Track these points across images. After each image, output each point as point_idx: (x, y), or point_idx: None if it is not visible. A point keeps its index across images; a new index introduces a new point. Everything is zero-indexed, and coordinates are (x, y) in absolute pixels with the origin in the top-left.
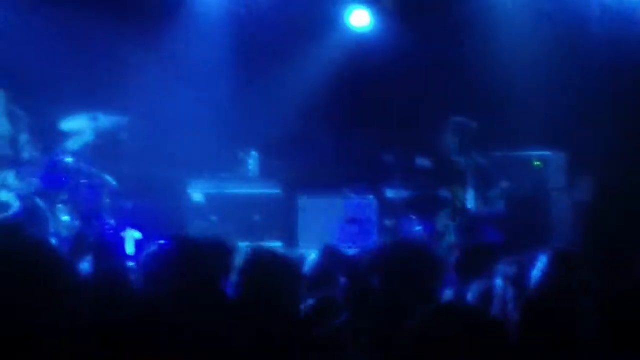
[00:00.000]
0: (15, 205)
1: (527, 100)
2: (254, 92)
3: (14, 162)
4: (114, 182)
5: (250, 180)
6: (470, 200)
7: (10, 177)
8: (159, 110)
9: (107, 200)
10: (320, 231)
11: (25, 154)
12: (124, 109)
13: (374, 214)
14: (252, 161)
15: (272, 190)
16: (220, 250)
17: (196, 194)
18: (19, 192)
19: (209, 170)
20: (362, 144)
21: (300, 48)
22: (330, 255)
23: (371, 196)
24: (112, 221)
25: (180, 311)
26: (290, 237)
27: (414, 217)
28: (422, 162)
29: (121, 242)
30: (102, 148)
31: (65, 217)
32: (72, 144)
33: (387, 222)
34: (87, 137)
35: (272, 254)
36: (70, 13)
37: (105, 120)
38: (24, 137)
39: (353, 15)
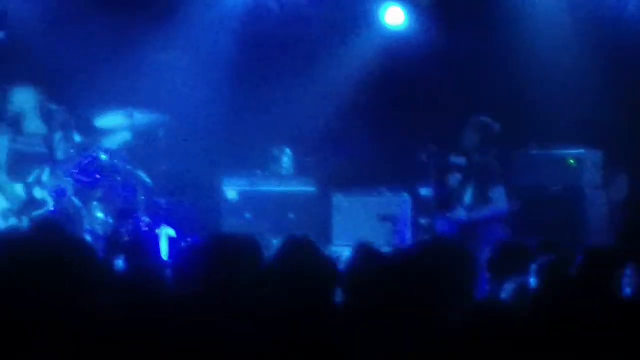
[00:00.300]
0: (50, 203)
1: (562, 97)
2: (289, 90)
3: (49, 160)
4: (149, 180)
5: (285, 178)
6: (468, 198)
7: (45, 174)
8: (195, 108)
9: (142, 198)
10: (355, 229)
11: (60, 152)
12: (160, 106)
13: (408, 213)
14: (287, 159)
15: (306, 188)
16: (254, 248)
17: (231, 192)
18: (54, 190)
19: (244, 168)
20: (397, 141)
21: (336, 45)
22: (365, 253)
23: (406, 194)
24: (147, 219)
25: (213, 309)
26: (324, 235)
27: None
28: (458, 160)
29: (156, 240)
30: (138, 146)
31: (100, 215)
32: (109, 143)
33: (422, 221)
34: (125, 136)
35: (310, 249)
36: (105, 8)
37: (141, 118)
38: (59, 135)
39: (388, 13)
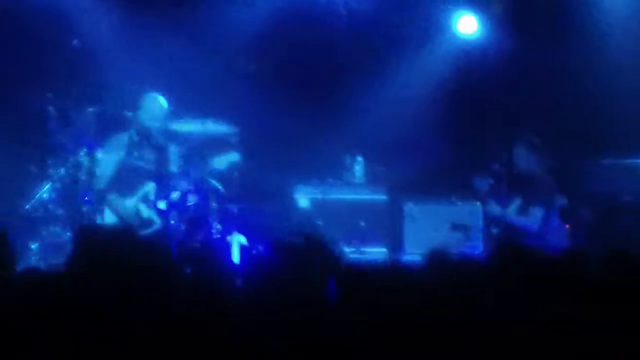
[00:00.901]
0: (158, 222)
1: (636, 106)
2: (361, 98)
3: (158, 176)
4: (221, 187)
5: (356, 186)
6: (513, 210)
7: (151, 192)
8: (268, 116)
9: (214, 204)
10: (426, 238)
11: (174, 167)
12: (233, 114)
13: (479, 221)
14: (359, 167)
15: (378, 196)
16: (324, 256)
17: (303, 200)
18: (161, 208)
19: (315, 175)
20: (469, 150)
21: (408, 54)
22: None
23: (478, 203)
24: (218, 226)
25: (283, 315)
26: (396, 243)
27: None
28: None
29: (227, 246)
30: (211, 153)
31: (172, 221)
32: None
33: (494, 230)
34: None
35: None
36: (180, 16)
37: (214, 126)
38: (174, 149)
39: (461, 22)
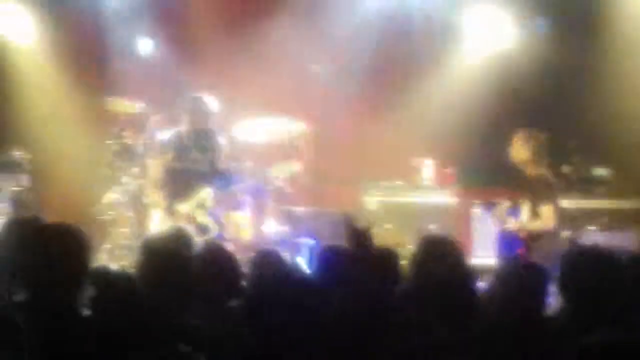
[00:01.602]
0: (214, 228)
1: None
2: (430, 99)
3: (212, 180)
4: (288, 188)
5: (425, 189)
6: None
7: (208, 199)
8: (336, 117)
9: (280, 207)
10: (495, 241)
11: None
12: (301, 115)
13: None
14: (428, 169)
15: (447, 199)
16: (389, 259)
17: (371, 202)
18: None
19: (384, 178)
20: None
21: (477, 55)
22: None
23: (551, 206)
24: (285, 228)
25: (349, 317)
26: (464, 246)
27: (592, 228)
28: (600, 171)
29: (295, 249)
30: (277, 154)
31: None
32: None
33: (565, 233)
34: (295, 166)
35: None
36: (250, 18)
37: (280, 125)
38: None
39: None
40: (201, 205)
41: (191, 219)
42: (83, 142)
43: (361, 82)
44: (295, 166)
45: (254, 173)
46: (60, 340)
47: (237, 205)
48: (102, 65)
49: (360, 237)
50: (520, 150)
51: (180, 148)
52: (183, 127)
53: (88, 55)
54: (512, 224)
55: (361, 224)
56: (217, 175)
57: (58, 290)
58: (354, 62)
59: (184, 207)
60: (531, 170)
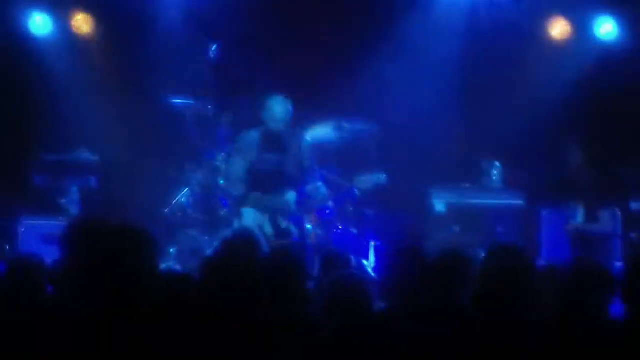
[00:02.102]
0: (295, 232)
1: None
2: (499, 101)
3: (291, 182)
4: (356, 191)
5: (493, 191)
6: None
7: (290, 202)
8: (405, 118)
9: (350, 209)
10: (564, 244)
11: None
12: (371, 116)
13: (618, 227)
14: (496, 172)
15: (515, 201)
16: (458, 263)
17: (439, 204)
18: (295, 219)
19: (452, 180)
20: (606, 155)
21: (546, 56)
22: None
23: (616, 209)
24: (354, 230)
25: (416, 321)
26: (532, 249)
27: None
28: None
29: (364, 250)
30: (346, 156)
31: (308, 226)
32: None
33: (632, 235)
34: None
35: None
36: (324, 18)
37: (351, 128)
38: (305, 159)
39: (600, 25)
40: (284, 209)
41: (273, 222)
42: (151, 143)
43: (432, 84)
44: (381, 178)
45: (332, 172)
46: (128, 340)
47: (320, 209)
48: (170, 66)
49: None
50: (577, 154)
51: (259, 148)
52: (261, 128)
53: (157, 56)
54: (571, 225)
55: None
56: (297, 178)
57: (125, 292)
58: (425, 63)
59: (264, 209)
60: (587, 174)
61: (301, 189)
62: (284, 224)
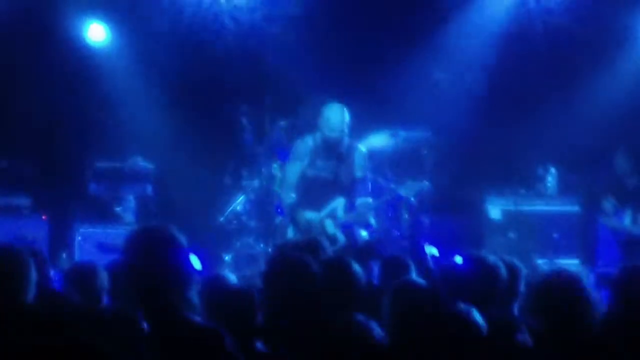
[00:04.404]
0: (342, 240)
1: None
2: (553, 108)
3: (345, 191)
4: (412, 198)
5: (549, 198)
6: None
7: (339, 208)
8: (460, 125)
9: (406, 216)
10: (619, 251)
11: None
12: (425, 123)
13: None
14: (551, 178)
15: (571, 207)
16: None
17: (494, 211)
18: (344, 225)
19: (508, 186)
20: None
21: (601, 63)
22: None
23: None
24: (410, 236)
25: (473, 329)
26: (588, 256)
27: None
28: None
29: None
30: (402, 164)
31: (364, 233)
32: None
33: None
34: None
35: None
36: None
37: (406, 136)
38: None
39: None
40: (332, 216)
41: (321, 228)
42: (207, 151)
43: (486, 90)
44: (424, 185)
45: (388, 184)
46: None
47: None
48: (222, 72)
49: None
50: (624, 161)
51: (313, 155)
52: (317, 135)
53: (206, 62)
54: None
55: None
56: (349, 188)
57: (179, 298)
58: (479, 69)
59: (315, 216)
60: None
61: (350, 200)
62: (331, 229)
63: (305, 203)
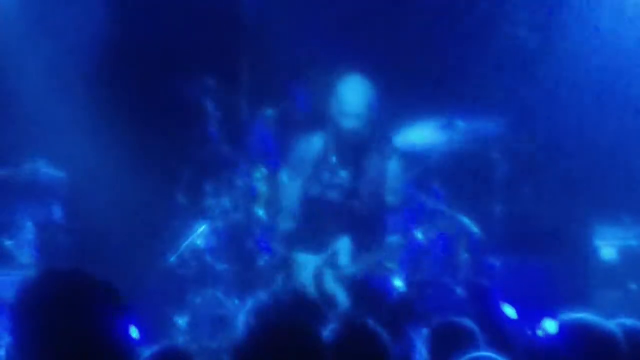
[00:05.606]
0: (343, 303)
1: None
2: None
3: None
4: (476, 229)
5: None
6: None
7: (342, 252)
8: (552, 117)
9: (466, 255)
10: None
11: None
12: (496, 112)
13: None
14: None
15: None
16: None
17: (607, 249)
18: None
19: (625, 214)
20: None
21: None
22: None
23: None
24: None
25: None
26: None
27: None
28: None
29: (495, 321)
30: (460, 174)
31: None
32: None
33: None
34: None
35: None
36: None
37: (467, 129)
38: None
39: None
40: (332, 263)
41: (316, 280)
42: (148, 151)
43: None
44: (496, 209)
45: (438, 206)
46: None
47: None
48: (171, 30)
49: None
50: None
51: (319, 163)
52: (325, 130)
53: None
54: None
55: None
56: (375, 216)
57: None
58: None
59: (311, 261)
60: None
61: (378, 236)
62: (329, 285)
63: (304, 238)
